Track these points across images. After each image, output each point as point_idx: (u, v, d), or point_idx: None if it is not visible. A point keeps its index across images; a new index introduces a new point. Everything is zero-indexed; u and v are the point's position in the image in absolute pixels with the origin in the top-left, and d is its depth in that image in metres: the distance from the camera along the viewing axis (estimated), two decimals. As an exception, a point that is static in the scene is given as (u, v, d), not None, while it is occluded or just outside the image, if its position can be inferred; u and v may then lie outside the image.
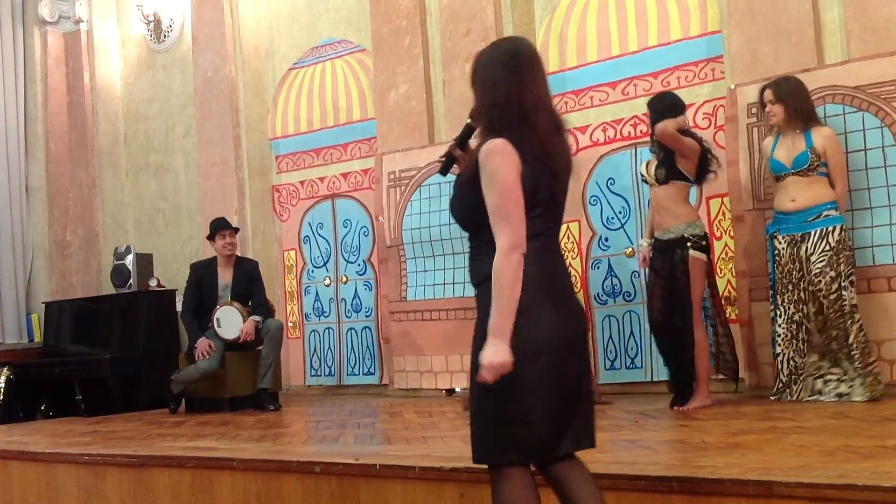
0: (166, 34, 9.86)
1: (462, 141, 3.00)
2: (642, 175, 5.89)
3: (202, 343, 7.32)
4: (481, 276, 2.76)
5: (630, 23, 6.89)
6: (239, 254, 7.95)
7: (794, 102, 5.42)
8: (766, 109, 5.52)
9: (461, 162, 2.98)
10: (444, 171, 3.09)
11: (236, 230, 7.76)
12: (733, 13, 6.25)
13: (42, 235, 10.31)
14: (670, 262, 5.57)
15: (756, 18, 6.13)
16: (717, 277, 6.45)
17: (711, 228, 6.50)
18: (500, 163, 2.69)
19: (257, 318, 7.40)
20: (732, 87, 6.17)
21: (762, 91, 5.56)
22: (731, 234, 6.26)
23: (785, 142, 5.48)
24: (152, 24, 9.91)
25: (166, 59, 9.88)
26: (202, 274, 7.66)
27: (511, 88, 2.76)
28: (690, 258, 5.52)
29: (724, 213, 6.41)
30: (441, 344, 7.29)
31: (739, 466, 3.42)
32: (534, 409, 2.68)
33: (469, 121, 2.98)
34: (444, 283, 7.36)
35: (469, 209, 2.79)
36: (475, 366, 2.70)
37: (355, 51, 8.48)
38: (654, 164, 5.71)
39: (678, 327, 5.53)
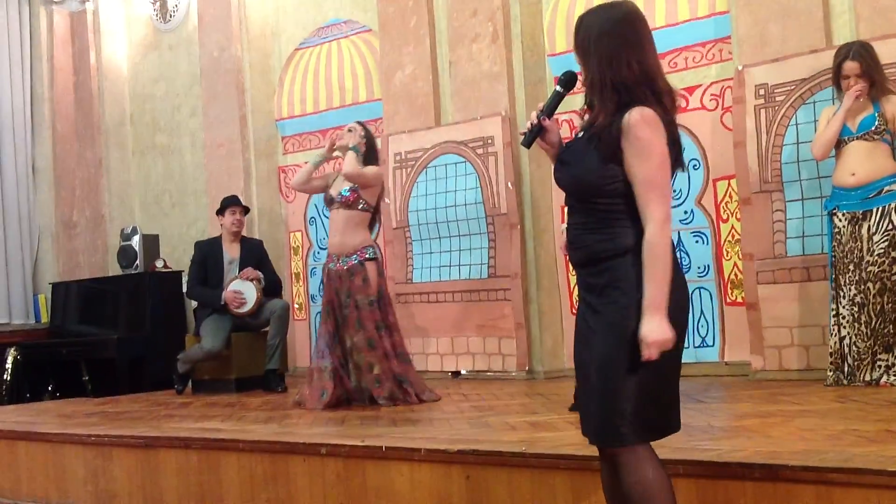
0: (172, 14, 9.83)
1: (551, 110, 2.84)
2: None
3: (229, 295, 7.35)
4: (608, 251, 2.64)
5: (637, 3, 6.82)
6: (245, 234, 7.99)
7: (875, 72, 5.20)
8: (853, 84, 5.21)
9: (550, 132, 2.84)
10: (529, 142, 2.86)
11: (247, 209, 7.81)
12: (742, -6, 6.20)
13: (49, 216, 10.32)
14: None
15: (765, -1, 6.08)
16: (724, 260, 6.46)
17: (718, 210, 6.48)
18: (655, 133, 2.62)
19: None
20: (740, 68, 6.14)
21: (841, 62, 5.28)
22: (738, 216, 6.24)
23: (853, 107, 5.25)
24: (158, 4, 9.88)
25: (172, 39, 9.85)
26: (206, 251, 7.69)
27: (634, 62, 2.70)
28: None
29: (731, 195, 6.38)
30: (447, 326, 7.28)
31: (745, 450, 3.42)
32: (678, 386, 2.72)
33: (559, 88, 2.84)
34: (450, 266, 7.35)
35: (598, 178, 2.66)
36: (616, 348, 2.61)
37: (361, 31, 8.44)
38: None
39: None
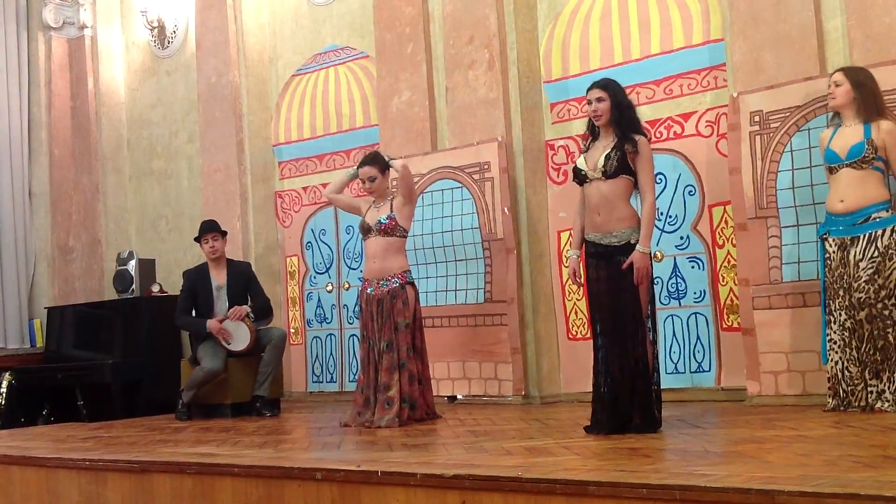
0: (170, 40, 9.88)
1: None
2: (579, 169, 5.10)
3: (214, 325, 7.35)
4: None
5: (633, 30, 6.89)
6: (235, 258, 8.03)
7: (861, 91, 5.23)
8: (830, 90, 5.33)
9: None
10: None
11: (224, 233, 7.78)
12: (736, 21, 6.25)
13: (45, 240, 10.32)
14: (611, 271, 4.97)
15: (759, 27, 6.13)
16: (719, 285, 6.47)
17: (713, 236, 6.50)
18: None
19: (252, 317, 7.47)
20: (735, 95, 6.17)
21: (833, 74, 5.39)
22: (734, 242, 6.25)
23: (844, 132, 5.29)
24: (156, 30, 9.92)
25: (170, 65, 9.90)
26: (194, 279, 7.70)
27: None
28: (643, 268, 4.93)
29: (726, 221, 6.41)
30: (443, 351, 7.27)
31: (742, 475, 3.41)
32: None
33: None
34: (447, 290, 7.35)
35: None
36: None
37: (358, 57, 8.48)
38: (600, 153, 5.03)
39: (630, 344, 4.92)
